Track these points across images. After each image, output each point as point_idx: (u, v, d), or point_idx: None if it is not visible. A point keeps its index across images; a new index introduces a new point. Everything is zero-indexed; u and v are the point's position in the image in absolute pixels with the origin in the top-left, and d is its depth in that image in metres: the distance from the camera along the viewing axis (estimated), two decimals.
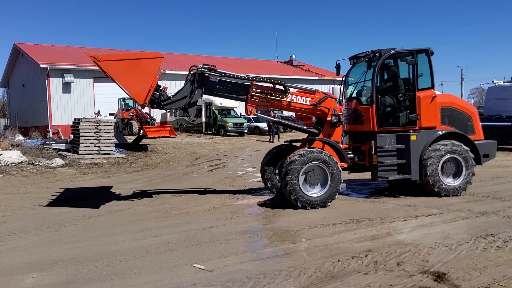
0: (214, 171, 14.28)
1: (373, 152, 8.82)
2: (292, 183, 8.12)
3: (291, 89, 8.85)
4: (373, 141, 8.81)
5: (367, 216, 7.45)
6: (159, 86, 8.22)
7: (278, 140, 25.03)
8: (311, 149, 8.35)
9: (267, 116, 10.00)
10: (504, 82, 22.59)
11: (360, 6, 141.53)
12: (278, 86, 8.75)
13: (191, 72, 8.58)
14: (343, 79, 9.97)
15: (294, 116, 22.71)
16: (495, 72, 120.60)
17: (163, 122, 34.98)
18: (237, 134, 31.28)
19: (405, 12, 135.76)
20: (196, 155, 19.14)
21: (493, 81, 22.64)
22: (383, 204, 8.46)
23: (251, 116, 31.77)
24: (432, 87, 9.04)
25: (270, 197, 9.60)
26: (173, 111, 33.67)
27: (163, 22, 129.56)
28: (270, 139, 25.87)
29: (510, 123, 17.07)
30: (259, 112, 9.10)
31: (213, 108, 31.91)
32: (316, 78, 40.92)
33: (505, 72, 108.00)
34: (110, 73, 7.51)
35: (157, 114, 35.63)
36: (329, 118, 8.91)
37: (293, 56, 45.64)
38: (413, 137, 8.72)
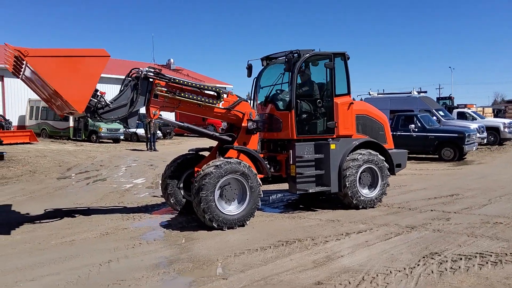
0: (94, 184, 12.17)
1: (291, 162, 7.98)
2: (207, 200, 6.85)
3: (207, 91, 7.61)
4: (291, 150, 7.97)
5: (295, 236, 6.53)
6: (97, 90, 6.62)
7: (154, 148, 22.87)
8: (228, 160, 7.18)
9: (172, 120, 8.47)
10: (378, 94, 24.10)
11: (240, 14, 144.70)
12: (209, 92, 7.59)
13: (132, 76, 7.07)
14: (254, 81, 9.04)
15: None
16: (371, 84, 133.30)
17: (21, 127, 30.49)
18: (111, 141, 28.47)
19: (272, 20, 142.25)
20: (67, 165, 16.49)
21: (369, 92, 23.96)
22: (304, 220, 7.64)
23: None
24: (349, 93, 8.56)
25: (173, 215, 8.17)
26: (81, 117, 29.56)
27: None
28: (147, 147, 23.40)
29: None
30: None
31: None
32: None
33: (379, 84, 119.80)
34: (40, 71, 5.66)
35: (13, 116, 30.94)
36: (244, 124, 7.84)
37: (171, 60, 43.92)
38: (332, 146, 8.10)
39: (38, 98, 31.32)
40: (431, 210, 8.14)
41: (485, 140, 21.10)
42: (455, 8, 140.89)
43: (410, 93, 22.57)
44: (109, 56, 6.19)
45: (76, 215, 8.14)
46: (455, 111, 24.71)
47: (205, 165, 7.17)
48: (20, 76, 6.77)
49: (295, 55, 8.01)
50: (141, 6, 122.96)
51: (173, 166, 8.27)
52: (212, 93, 7.69)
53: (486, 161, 16.71)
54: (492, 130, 22.19)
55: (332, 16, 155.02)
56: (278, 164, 8.29)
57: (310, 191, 8.07)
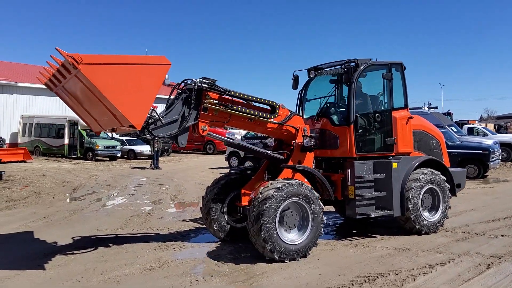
0: (110, 207, 11.16)
1: (349, 183, 7.17)
2: (268, 228, 5.98)
3: (254, 103, 6.80)
4: (349, 170, 7.17)
5: (374, 271, 5.68)
6: None
7: (157, 166, 21.78)
8: (290, 181, 6.34)
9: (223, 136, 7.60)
10: None
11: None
12: (264, 106, 6.83)
13: (184, 88, 6.28)
14: (301, 94, 8.26)
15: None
16: None
17: (13, 144, 29.19)
18: (108, 159, 27.30)
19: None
20: (71, 185, 15.41)
21: None
22: (369, 248, 6.79)
23: (124, 138, 28.99)
24: (406, 106, 7.84)
25: (217, 244, 7.26)
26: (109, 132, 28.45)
27: None
28: (151, 165, 22.31)
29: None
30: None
31: (79, 128, 27.48)
32: None
33: None
34: (95, 81, 4.69)
35: (5, 133, 29.65)
36: (299, 141, 7.02)
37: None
38: (394, 165, 7.31)
39: (31, 114, 30.15)
40: (502, 236, 7.38)
41: (500, 157, 20.62)
42: (442, 24, 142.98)
43: (422, 108, 22.07)
44: (170, 64, 5.35)
45: (109, 245, 7.16)
46: (465, 126, 24.27)
47: (262, 188, 6.32)
48: (56, 88, 5.87)
49: (352, 64, 7.27)
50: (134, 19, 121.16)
51: (217, 188, 7.37)
52: (264, 106, 6.89)
53: (511, 178, 16.14)
54: (505, 146, 21.72)
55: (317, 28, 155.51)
56: (332, 185, 7.44)
57: (373, 215, 7.25)
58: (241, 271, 5.83)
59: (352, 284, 5.22)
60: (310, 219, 6.38)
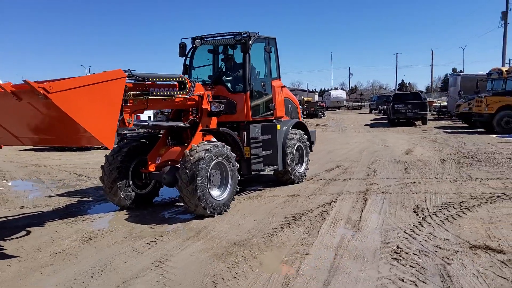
0: None
1: (245, 144, 8.04)
2: (202, 187, 6.43)
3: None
4: (244, 132, 8.03)
5: (292, 213, 6.76)
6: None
7: None
8: (215, 143, 6.84)
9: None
10: None
11: None
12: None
13: None
14: (185, 61, 8.59)
15: None
16: None
17: None
18: None
19: None
20: None
21: None
22: (268, 198, 7.85)
23: None
24: (279, 77, 9.08)
25: (124, 212, 7.21)
26: None
27: None
28: None
29: None
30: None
31: None
32: None
33: None
34: (67, 109, 4.27)
35: None
36: (205, 107, 7.50)
37: None
38: (278, 127, 8.51)
39: None
40: (348, 179, 9.49)
41: None
42: None
43: None
44: (126, 76, 5.31)
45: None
46: None
47: (190, 150, 6.62)
48: None
49: (244, 35, 8.02)
50: None
51: (121, 156, 7.23)
52: (172, 83, 7.05)
53: None
54: None
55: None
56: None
57: (266, 171, 8.34)
58: (184, 228, 6.14)
59: (288, 223, 6.20)
60: (230, 177, 7.06)
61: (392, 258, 4.70)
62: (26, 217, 7.04)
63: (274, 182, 9.15)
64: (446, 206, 6.74)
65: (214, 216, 6.65)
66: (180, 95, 7.04)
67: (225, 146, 7.03)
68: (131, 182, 7.34)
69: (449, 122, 28.45)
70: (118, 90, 5.08)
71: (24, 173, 11.86)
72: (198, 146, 6.69)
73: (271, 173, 8.99)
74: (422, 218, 6.19)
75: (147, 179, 7.47)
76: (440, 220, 6.03)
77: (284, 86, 9.17)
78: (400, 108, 26.46)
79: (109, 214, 7.13)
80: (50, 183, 10.11)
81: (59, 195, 8.69)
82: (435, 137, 18.51)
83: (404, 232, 5.60)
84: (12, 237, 5.93)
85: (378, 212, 6.60)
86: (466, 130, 21.25)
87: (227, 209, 6.95)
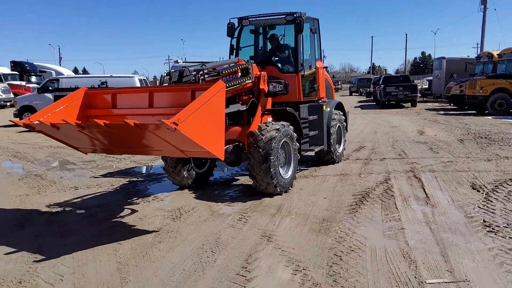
0: None
1: None
2: (274, 166, 6.56)
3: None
4: (297, 112, 8.12)
5: (355, 191, 7.00)
6: None
7: None
8: (282, 123, 6.94)
9: None
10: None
11: None
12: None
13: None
14: (233, 42, 8.56)
15: None
16: None
17: None
18: None
19: None
20: None
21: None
22: (321, 178, 8.02)
23: None
24: (321, 58, 9.20)
25: (186, 191, 7.26)
26: None
27: None
28: None
29: None
30: None
31: None
32: None
33: None
34: (190, 135, 4.49)
35: None
36: (262, 87, 7.54)
37: None
38: (324, 107, 8.66)
39: None
40: (384, 159, 9.79)
41: None
42: None
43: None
44: (225, 86, 5.31)
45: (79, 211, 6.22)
46: None
47: (259, 130, 6.69)
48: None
49: (297, 16, 8.03)
50: None
51: None
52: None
53: None
54: None
55: None
56: None
57: (316, 150, 8.50)
58: (259, 205, 6.27)
59: (360, 200, 6.42)
60: (293, 156, 7.20)
61: (487, 231, 4.98)
62: (91, 198, 6.97)
63: (313, 162, 9.32)
64: (500, 183, 7.11)
65: (282, 194, 6.80)
66: (248, 81, 7.07)
67: (290, 125, 7.14)
68: (192, 162, 7.38)
69: (436, 104, 29.28)
70: (221, 102, 5.13)
71: (44, 154, 11.59)
72: (267, 126, 6.77)
73: (312, 153, 9.16)
74: (486, 194, 6.53)
75: (206, 158, 7.51)
76: (505, 196, 6.39)
77: (326, 67, 9.29)
78: (391, 90, 27.01)
79: (172, 193, 7.15)
80: (82, 164, 9.96)
81: (103, 176, 8.60)
82: (435, 118, 19.09)
83: (479, 207, 5.91)
84: (97, 216, 5.92)
85: (440, 189, 6.90)
86: (458, 112, 21.95)
87: (291, 187, 7.10)
